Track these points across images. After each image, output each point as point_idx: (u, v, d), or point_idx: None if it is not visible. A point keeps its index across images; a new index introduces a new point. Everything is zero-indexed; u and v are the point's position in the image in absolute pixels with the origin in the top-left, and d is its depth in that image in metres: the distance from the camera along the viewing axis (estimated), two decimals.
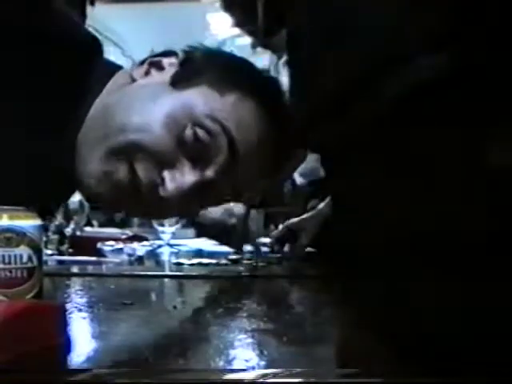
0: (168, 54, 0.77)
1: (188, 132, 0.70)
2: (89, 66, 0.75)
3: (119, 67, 0.80)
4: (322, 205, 1.21)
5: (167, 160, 0.70)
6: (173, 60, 0.76)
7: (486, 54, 0.36)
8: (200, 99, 0.72)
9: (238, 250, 1.23)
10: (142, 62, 0.77)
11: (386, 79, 0.37)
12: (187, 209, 0.79)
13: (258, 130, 0.73)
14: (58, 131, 0.72)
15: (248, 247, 1.24)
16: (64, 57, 0.72)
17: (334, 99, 0.40)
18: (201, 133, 0.70)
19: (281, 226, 1.29)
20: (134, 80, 0.75)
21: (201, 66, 0.75)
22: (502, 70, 0.36)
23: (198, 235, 1.31)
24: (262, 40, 1.22)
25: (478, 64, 0.36)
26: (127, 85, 0.75)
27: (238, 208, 1.24)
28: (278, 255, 1.23)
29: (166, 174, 0.70)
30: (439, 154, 0.39)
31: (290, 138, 0.75)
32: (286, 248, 1.24)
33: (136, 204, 0.73)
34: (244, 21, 1.21)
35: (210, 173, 0.72)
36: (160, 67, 0.76)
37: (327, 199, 1.22)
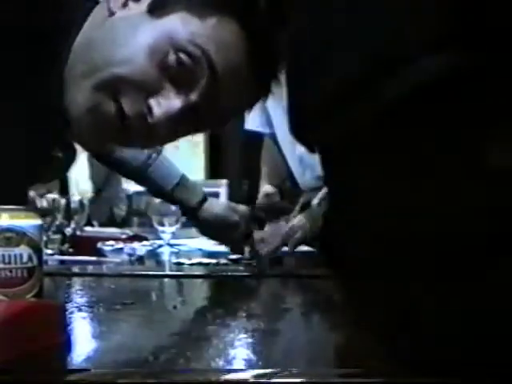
0: None
1: (171, 57, 0.71)
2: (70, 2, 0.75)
3: (97, 1, 0.80)
4: (315, 201, 1.21)
5: (152, 88, 0.71)
6: None
7: (486, 55, 0.36)
8: (179, 25, 0.72)
9: (238, 251, 1.22)
10: None
11: (386, 80, 0.37)
12: (174, 136, 0.80)
13: (239, 52, 0.74)
14: (46, 69, 0.72)
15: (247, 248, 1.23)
16: None
17: (333, 100, 0.40)
18: (183, 57, 0.71)
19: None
20: (112, 13, 0.75)
21: None
22: (502, 71, 0.36)
23: (198, 228, 1.29)
24: None
25: (479, 65, 0.36)
26: (106, 18, 0.75)
27: (242, 206, 1.23)
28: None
29: (152, 101, 0.71)
30: (439, 155, 0.39)
31: (270, 63, 0.76)
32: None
33: (124, 136, 0.74)
34: None
35: (193, 96, 0.72)
36: None
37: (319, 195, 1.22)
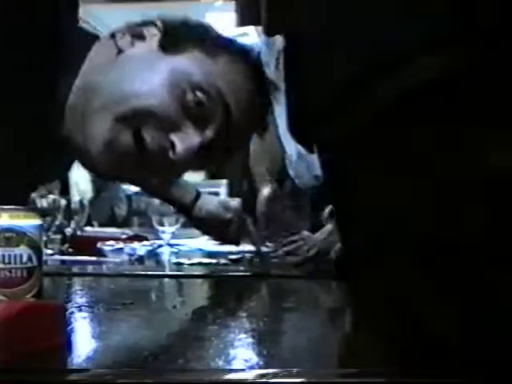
0: (146, 23, 0.79)
1: (189, 96, 0.72)
2: (68, 32, 0.76)
3: (95, 35, 0.80)
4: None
5: (173, 124, 0.72)
6: (152, 30, 0.78)
7: (486, 54, 0.36)
8: (194, 64, 0.74)
9: (235, 243, 1.22)
10: (124, 33, 0.78)
11: (385, 80, 0.37)
12: (185, 171, 0.81)
13: (248, 91, 0.77)
14: (44, 100, 0.73)
15: (247, 245, 1.23)
16: (41, 23, 0.73)
17: (333, 99, 0.40)
18: (201, 96, 0.73)
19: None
20: (120, 50, 0.76)
21: (182, 32, 0.78)
22: (502, 70, 0.36)
23: (194, 227, 1.29)
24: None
25: (479, 64, 0.36)
26: (115, 56, 0.76)
27: (234, 202, 1.23)
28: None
29: (174, 137, 0.72)
30: (438, 154, 0.39)
31: (268, 98, 0.80)
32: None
33: (141, 169, 0.74)
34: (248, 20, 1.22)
35: (209, 133, 0.74)
36: (141, 37, 0.78)
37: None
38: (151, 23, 0.78)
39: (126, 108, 0.71)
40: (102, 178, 0.88)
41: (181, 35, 0.77)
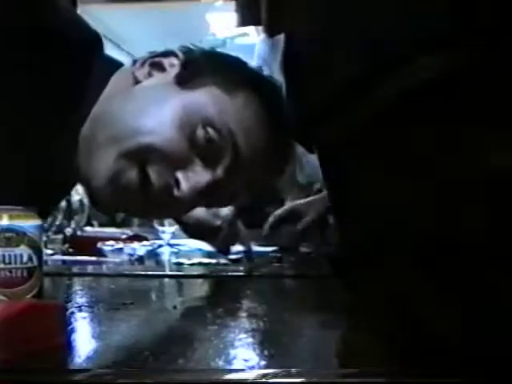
0: (167, 54, 0.78)
1: (199, 132, 0.71)
2: (90, 62, 0.75)
3: (118, 63, 0.80)
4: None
5: (180, 160, 0.71)
6: (172, 60, 0.77)
7: (486, 54, 0.36)
8: (209, 100, 0.73)
9: (224, 252, 1.21)
10: (143, 63, 0.77)
11: (385, 79, 0.37)
12: (191, 208, 0.80)
13: (261, 136, 0.75)
14: (60, 129, 0.72)
15: (239, 248, 1.22)
16: (65, 53, 0.72)
17: (333, 99, 0.40)
18: (211, 132, 0.71)
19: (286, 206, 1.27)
20: (137, 81, 0.75)
21: (203, 66, 0.76)
22: (502, 70, 0.36)
23: (183, 232, 1.28)
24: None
25: (479, 64, 0.36)
26: (131, 86, 0.75)
27: (224, 209, 1.22)
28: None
29: (180, 174, 0.71)
30: (438, 154, 0.39)
31: (289, 142, 0.78)
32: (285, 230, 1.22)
33: (144, 205, 0.73)
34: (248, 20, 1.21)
35: (219, 172, 0.73)
36: (161, 68, 0.77)
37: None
38: (172, 53, 0.78)
39: (131, 144, 0.70)
40: (104, 212, 0.88)
41: (200, 68, 0.76)
